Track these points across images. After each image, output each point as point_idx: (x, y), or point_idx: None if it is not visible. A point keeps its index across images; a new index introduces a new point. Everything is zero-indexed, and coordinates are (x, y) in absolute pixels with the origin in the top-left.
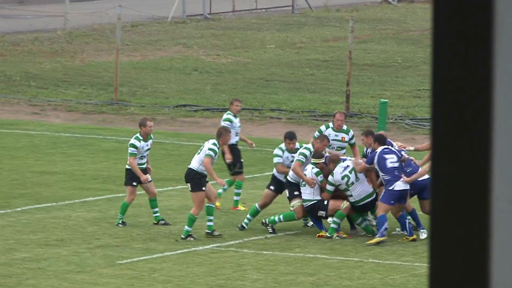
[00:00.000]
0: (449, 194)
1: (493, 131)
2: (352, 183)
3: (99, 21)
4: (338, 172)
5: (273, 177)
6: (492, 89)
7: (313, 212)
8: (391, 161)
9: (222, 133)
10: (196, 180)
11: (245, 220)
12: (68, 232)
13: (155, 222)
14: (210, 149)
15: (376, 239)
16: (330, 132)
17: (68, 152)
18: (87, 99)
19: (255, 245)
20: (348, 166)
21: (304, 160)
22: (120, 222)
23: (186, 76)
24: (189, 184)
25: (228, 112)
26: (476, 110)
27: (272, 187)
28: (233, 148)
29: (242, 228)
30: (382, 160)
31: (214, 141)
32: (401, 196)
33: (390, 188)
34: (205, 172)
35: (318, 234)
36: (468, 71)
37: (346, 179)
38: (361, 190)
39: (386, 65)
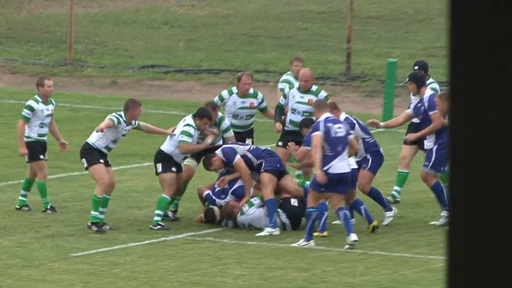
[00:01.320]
0: (471, 175)
1: None
2: None
3: None
4: None
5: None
6: None
7: (289, 209)
8: (337, 130)
9: (130, 106)
10: (89, 155)
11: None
12: (12, 218)
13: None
14: (112, 114)
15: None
16: (235, 99)
17: (13, 122)
18: (35, 59)
19: (237, 234)
20: None
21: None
22: (48, 207)
23: (154, 31)
24: (83, 160)
25: (288, 72)
26: (503, 69)
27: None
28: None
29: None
30: (328, 129)
31: (120, 112)
32: (339, 181)
33: (325, 168)
34: (103, 149)
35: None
36: (495, 23)
37: None
38: None
39: (394, 18)
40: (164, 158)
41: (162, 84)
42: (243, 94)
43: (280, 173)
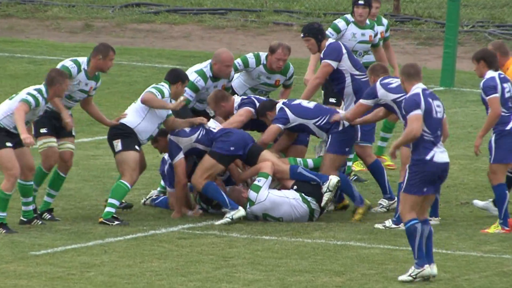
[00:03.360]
0: None
1: None
2: None
3: None
4: None
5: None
6: None
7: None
8: (438, 109)
9: (55, 80)
10: None
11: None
12: None
13: None
14: (29, 93)
15: (360, 209)
16: (261, 72)
17: None
18: None
19: (250, 227)
20: None
21: None
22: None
23: None
24: None
25: (345, 16)
26: None
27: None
28: None
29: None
30: (430, 106)
31: (40, 86)
32: (441, 176)
33: (428, 157)
34: (11, 129)
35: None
36: None
37: None
38: None
39: None
40: (125, 134)
41: (151, 28)
42: (272, 70)
43: (233, 158)
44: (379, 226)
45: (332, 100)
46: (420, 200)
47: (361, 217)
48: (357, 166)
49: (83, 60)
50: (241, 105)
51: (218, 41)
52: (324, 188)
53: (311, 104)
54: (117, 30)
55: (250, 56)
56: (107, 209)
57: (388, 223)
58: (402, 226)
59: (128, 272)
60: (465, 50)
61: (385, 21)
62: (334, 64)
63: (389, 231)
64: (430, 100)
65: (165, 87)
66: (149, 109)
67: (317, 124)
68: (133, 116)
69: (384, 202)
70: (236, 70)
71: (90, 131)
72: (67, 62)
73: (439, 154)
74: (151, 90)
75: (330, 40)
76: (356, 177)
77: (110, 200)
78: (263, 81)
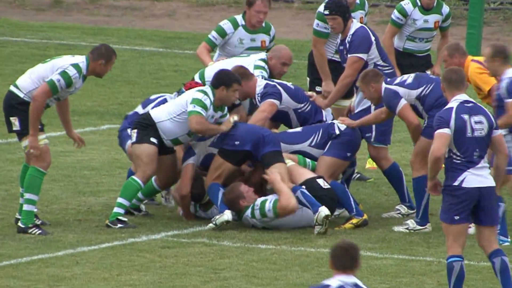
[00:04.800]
0: None
1: None
2: None
3: None
4: None
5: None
6: None
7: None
8: (476, 126)
9: None
10: None
11: None
12: None
13: None
14: None
15: (355, 219)
16: (241, 35)
17: None
18: None
19: (243, 234)
20: None
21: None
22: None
23: None
24: None
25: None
26: None
27: None
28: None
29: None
30: (463, 124)
31: None
32: (480, 201)
33: (456, 183)
34: None
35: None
36: None
37: None
38: None
39: None
40: (144, 125)
41: (130, 5)
42: (254, 28)
43: (241, 154)
44: (399, 228)
45: (318, 88)
46: (459, 229)
47: (352, 227)
48: (368, 163)
49: (83, 64)
50: (264, 94)
51: (207, 20)
52: (314, 221)
53: (299, 128)
54: (91, 7)
55: (224, 23)
56: (115, 209)
57: (412, 224)
58: (428, 227)
59: (103, 287)
60: (491, 31)
61: (445, 9)
62: (365, 56)
63: (404, 239)
64: (466, 116)
65: (207, 96)
66: (180, 113)
67: (313, 144)
68: (162, 110)
69: (403, 209)
70: (215, 46)
71: (59, 124)
72: (71, 70)
73: (472, 178)
74: (197, 109)
75: (355, 23)
76: (359, 174)
77: (119, 199)
78: (248, 46)
